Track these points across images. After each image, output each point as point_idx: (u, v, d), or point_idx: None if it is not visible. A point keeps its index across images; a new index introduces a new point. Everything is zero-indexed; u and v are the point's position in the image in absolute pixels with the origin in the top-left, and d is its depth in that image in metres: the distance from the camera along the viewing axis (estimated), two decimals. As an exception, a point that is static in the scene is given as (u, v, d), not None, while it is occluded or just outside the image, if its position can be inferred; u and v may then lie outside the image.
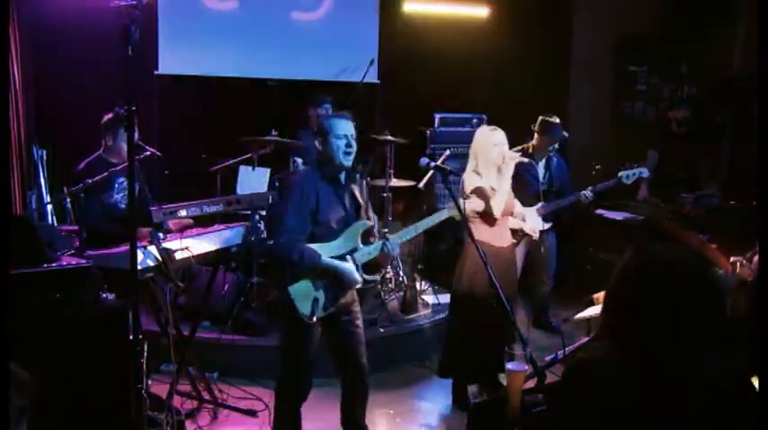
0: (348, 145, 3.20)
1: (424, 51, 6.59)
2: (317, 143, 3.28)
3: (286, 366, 3.35)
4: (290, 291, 3.16)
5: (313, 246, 3.16)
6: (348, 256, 3.23)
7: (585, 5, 6.92)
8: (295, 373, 3.31)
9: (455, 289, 4.14)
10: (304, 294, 3.18)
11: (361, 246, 3.28)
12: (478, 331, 3.95)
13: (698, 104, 6.63)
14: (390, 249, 3.30)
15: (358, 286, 3.30)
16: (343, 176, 3.31)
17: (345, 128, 3.24)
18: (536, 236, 4.55)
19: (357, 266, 3.24)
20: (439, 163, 3.84)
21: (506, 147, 4.02)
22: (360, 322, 3.42)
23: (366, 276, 3.29)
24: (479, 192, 3.93)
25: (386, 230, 4.30)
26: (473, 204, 3.87)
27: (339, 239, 3.24)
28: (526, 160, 4.32)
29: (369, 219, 3.42)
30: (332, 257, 3.20)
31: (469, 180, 4.00)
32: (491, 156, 3.96)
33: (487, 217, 3.95)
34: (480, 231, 3.91)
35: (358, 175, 3.44)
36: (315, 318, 3.18)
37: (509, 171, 3.99)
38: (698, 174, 6.37)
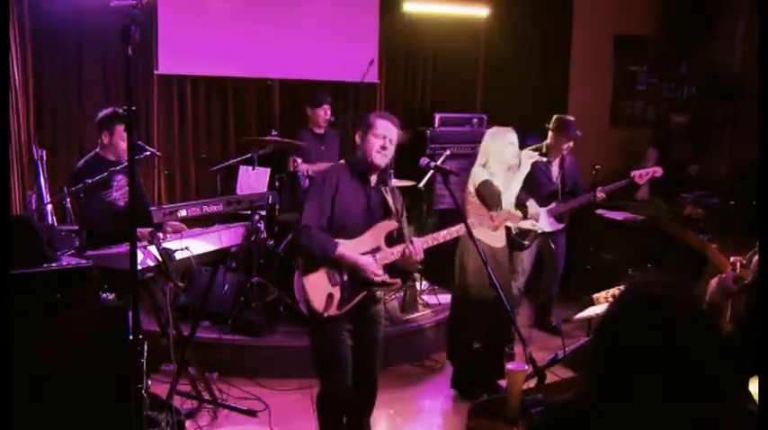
0: (383, 146, 3.15)
1: (424, 51, 6.59)
2: (356, 136, 3.25)
3: (321, 374, 3.23)
4: (304, 282, 3.08)
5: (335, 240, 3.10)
6: (369, 256, 3.15)
7: (585, 5, 6.92)
8: (331, 380, 3.17)
9: (458, 283, 4.16)
10: (319, 287, 3.09)
11: (384, 247, 3.19)
12: (482, 322, 3.99)
13: (698, 104, 6.62)
14: (413, 251, 3.16)
15: (377, 285, 3.17)
16: (373, 178, 3.24)
17: (387, 129, 3.18)
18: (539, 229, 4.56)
19: (378, 267, 3.14)
20: (439, 163, 3.83)
21: (517, 147, 4.04)
22: (381, 333, 3.35)
23: (387, 279, 3.17)
24: (487, 186, 3.91)
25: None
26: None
27: (362, 237, 3.16)
28: (544, 159, 4.28)
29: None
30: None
31: (478, 174, 3.98)
32: (505, 155, 3.96)
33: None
34: (480, 230, 3.89)
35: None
36: (326, 315, 3.08)
37: (525, 170, 3.99)
38: (698, 174, 6.37)
